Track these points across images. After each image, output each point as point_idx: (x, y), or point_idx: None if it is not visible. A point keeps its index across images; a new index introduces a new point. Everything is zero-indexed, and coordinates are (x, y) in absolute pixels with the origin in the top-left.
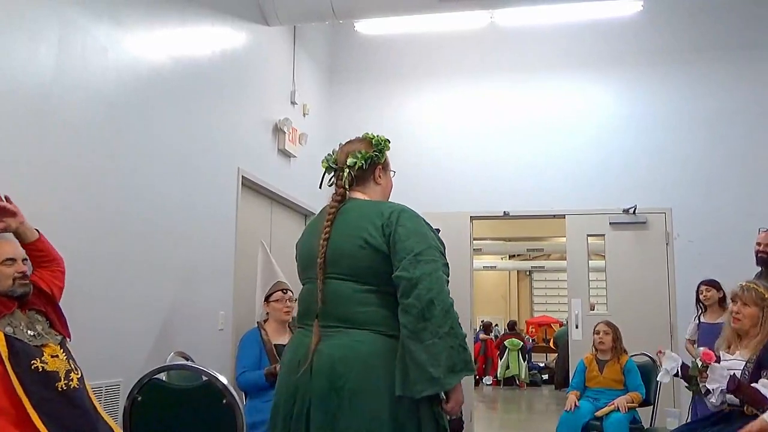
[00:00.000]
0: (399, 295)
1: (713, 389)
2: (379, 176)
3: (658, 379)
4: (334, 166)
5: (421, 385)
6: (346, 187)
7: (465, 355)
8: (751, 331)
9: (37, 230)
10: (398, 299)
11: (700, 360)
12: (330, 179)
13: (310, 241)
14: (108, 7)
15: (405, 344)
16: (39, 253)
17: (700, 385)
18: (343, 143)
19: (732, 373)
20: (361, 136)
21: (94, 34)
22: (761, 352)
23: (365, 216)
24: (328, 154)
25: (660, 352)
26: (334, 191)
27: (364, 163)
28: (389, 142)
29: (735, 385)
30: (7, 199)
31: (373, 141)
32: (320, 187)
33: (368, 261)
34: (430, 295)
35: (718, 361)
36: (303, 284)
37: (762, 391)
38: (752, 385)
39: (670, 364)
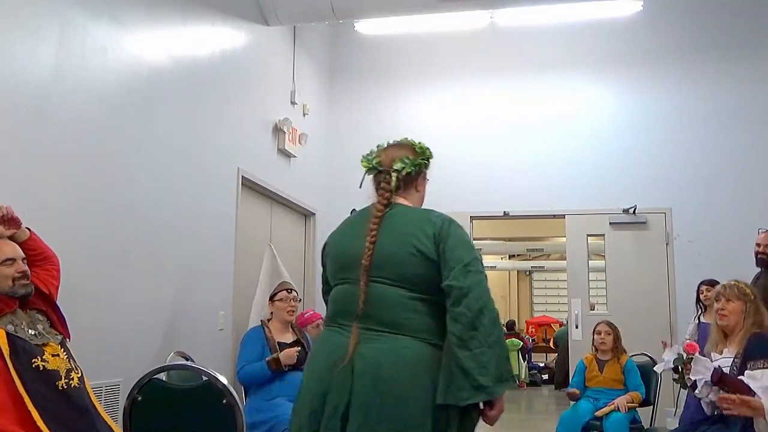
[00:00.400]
0: (449, 304)
1: (697, 381)
2: (420, 184)
3: (655, 368)
4: (379, 168)
5: (467, 393)
6: (393, 191)
7: (509, 366)
8: (736, 328)
9: (28, 228)
10: (448, 307)
11: (683, 351)
12: (378, 181)
13: (349, 242)
14: (108, 6)
15: (452, 352)
16: (32, 252)
17: (686, 378)
18: (385, 145)
19: (716, 365)
20: (399, 140)
21: (94, 33)
22: (746, 345)
23: (415, 223)
24: (368, 155)
25: (664, 343)
26: (379, 194)
27: (412, 169)
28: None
29: (718, 376)
30: (9, 210)
31: (417, 148)
32: (360, 187)
33: (417, 268)
34: (479, 304)
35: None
36: (335, 284)
37: (746, 382)
38: (738, 377)
39: (670, 357)
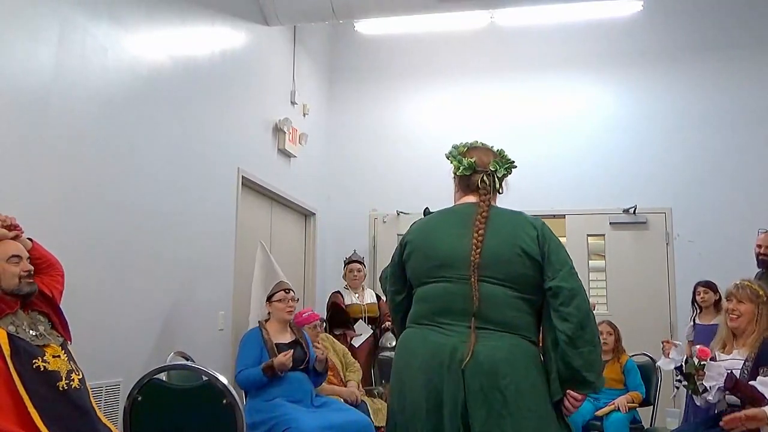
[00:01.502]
0: (558, 303)
1: (710, 387)
2: (502, 187)
3: (658, 364)
4: (476, 168)
5: (576, 387)
6: (492, 192)
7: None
8: (747, 329)
9: (30, 239)
10: (555, 306)
11: (696, 357)
12: (475, 182)
13: (447, 240)
14: (108, 6)
15: (561, 349)
16: (37, 260)
17: (698, 384)
18: (471, 147)
19: (729, 371)
20: (476, 144)
21: (94, 33)
22: (759, 349)
23: (519, 225)
24: (456, 155)
25: (668, 342)
26: (481, 194)
27: (505, 172)
28: None
29: (732, 383)
30: (12, 219)
31: (499, 152)
32: (484, 189)
33: (522, 268)
34: (587, 305)
35: (714, 360)
36: (425, 283)
37: (759, 389)
38: (750, 383)
39: (676, 356)
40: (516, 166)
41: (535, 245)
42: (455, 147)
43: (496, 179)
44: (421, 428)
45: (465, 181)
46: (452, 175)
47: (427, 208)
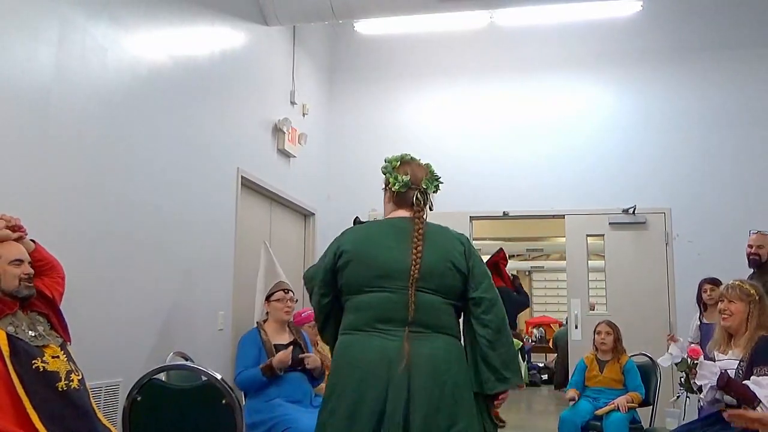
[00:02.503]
0: (479, 311)
1: (703, 385)
2: (432, 206)
3: (659, 361)
4: (413, 186)
5: (493, 384)
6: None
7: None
8: (740, 329)
9: (33, 241)
10: (477, 314)
11: (687, 356)
12: (410, 197)
13: (386, 253)
14: (107, 6)
15: (482, 351)
16: (38, 262)
17: (692, 382)
18: (404, 161)
19: (723, 370)
20: (407, 157)
21: (94, 33)
22: (753, 350)
23: (449, 241)
24: (391, 170)
25: (670, 336)
26: (416, 211)
27: (435, 191)
28: None
29: (724, 382)
30: (17, 220)
31: (430, 169)
32: (418, 206)
33: (453, 280)
34: (502, 313)
35: (713, 360)
36: (365, 292)
37: (751, 388)
38: (744, 382)
39: (675, 352)
40: (442, 182)
41: (463, 260)
42: (388, 161)
43: (428, 196)
44: (361, 429)
45: (400, 197)
46: (383, 187)
47: (357, 217)
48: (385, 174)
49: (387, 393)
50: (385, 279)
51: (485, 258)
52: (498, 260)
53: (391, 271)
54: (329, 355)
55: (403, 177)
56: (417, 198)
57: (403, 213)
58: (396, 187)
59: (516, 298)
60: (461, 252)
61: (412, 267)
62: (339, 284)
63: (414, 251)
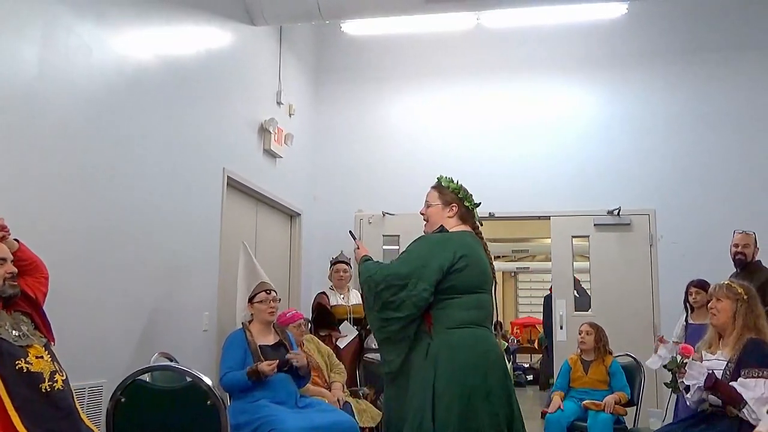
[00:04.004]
0: None
1: (691, 386)
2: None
3: (647, 363)
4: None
5: None
6: None
7: None
8: (727, 327)
9: (16, 240)
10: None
11: (679, 354)
12: (473, 214)
13: (485, 261)
14: (93, 5)
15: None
16: (22, 262)
17: (678, 382)
18: (457, 183)
19: (711, 371)
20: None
21: (79, 32)
22: (741, 352)
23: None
24: (457, 186)
25: (661, 338)
26: (478, 226)
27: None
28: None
29: (712, 382)
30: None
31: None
32: (480, 223)
33: None
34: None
35: (701, 359)
36: (478, 292)
37: (738, 389)
38: (730, 383)
39: (664, 353)
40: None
41: None
42: (448, 180)
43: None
44: (499, 407)
45: (470, 213)
46: (456, 202)
47: (442, 226)
48: (454, 190)
49: (505, 380)
50: (487, 283)
51: None
52: None
53: (488, 277)
54: (314, 356)
55: (472, 197)
56: (477, 215)
57: (465, 227)
58: (472, 205)
59: None
60: None
61: (492, 272)
62: (447, 284)
63: (490, 261)
